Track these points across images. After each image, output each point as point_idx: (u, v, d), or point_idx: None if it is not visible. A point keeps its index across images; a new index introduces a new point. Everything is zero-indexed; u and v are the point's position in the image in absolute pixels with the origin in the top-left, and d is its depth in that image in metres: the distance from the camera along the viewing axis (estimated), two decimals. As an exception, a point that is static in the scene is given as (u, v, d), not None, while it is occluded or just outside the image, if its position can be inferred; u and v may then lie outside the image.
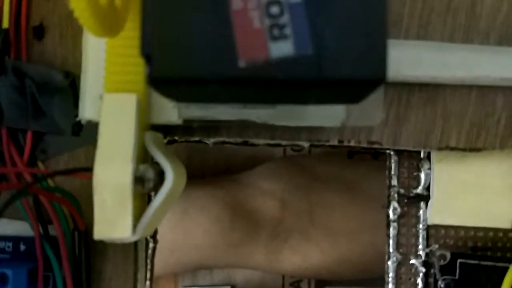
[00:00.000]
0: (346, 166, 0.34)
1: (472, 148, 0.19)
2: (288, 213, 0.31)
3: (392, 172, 0.20)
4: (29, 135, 0.19)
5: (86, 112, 0.17)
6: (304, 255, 0.32)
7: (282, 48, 0.12)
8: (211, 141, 0.20)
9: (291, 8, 0.11)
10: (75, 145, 0.19)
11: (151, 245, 0.20)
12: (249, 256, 0.33)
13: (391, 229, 0.20)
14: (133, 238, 0.16)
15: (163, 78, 0.12)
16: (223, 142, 0.20)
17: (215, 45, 0.12)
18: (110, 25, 0.14)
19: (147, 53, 0.12)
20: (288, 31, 0.12)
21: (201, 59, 0.12)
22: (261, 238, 0.31)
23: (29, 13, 0.19)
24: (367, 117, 0.18)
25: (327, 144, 0.19)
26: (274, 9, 0.11)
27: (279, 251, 0.32)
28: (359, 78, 0.12)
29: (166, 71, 0.12)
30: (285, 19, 0.11)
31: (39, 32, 0.19)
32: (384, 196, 0.20)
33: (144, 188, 0.16)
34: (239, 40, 0.12)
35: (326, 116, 0.16)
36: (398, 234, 0.20)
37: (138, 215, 0.16)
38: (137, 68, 0.16)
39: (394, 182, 0.20)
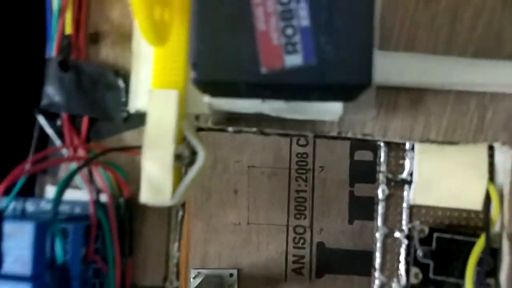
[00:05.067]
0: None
1: (449, 141, 0.23)
2: None
3: (382, 160, 0.24)
4: (85, 120, 0.23)
5: (138, 102, 0.21)
6: None
7: (294, 60, 0.16)
8: (231, 129, 0.24)
9: (302, 30, 0.16)
10: (122, 130, 0.24)
11: (180, 213, 0.24)
12: None
13: (379, 207, 0.24)
14: (171, 203, 0.20)
15: (205, 81, 0.16)
16: (241, 131, 0.24)
17: (244, 57, 0.16)
18: (160, 36, 0.18)
19: (193, 62, 0.16)
20: (299, 47, 0.16)
21: (233, 67, 0.16)
22: None
23: (86, 23, 0.24)
24: (362, 113, 0.22)
25: (329, 135, 0.23)
26: (289, 31, 0.16)
27: None
28: (351, 83, 0.16)
29: (207, 76, 0.16)
30: (297, 38, 0.16)
31: (95, 38, 0.24)
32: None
33: (181, 163, 0.20)
34: (262, 53, 0.16)
35: (327, 111, 0.20)
36: (386, 211, 0.24)
37: (175, 186, 0.20)
38: (178, 69, 0.21)
39: (383, 168, 0.24)
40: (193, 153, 0.21)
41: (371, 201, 0.25)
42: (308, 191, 0.57)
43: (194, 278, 0.56)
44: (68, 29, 0.23)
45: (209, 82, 0.16)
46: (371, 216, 0.25)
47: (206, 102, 0.20)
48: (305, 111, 0.20)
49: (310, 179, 0.57)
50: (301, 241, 0.57)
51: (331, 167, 0.57)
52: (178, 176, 0.21)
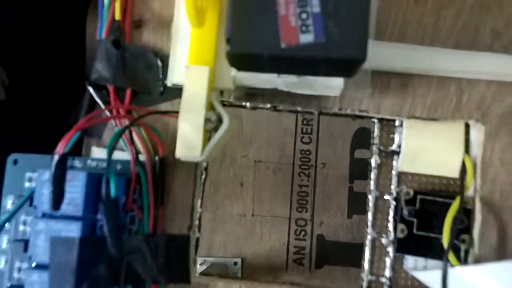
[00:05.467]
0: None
1: (431, 118, 0.27)
2: None
3: (375, 134, 0.28)
4: (128, 92, 0.28)
5: (175, 77, 0.26)
6: None
7: (307, 38, 0.20)
8: (249, 105, 0.28)
9: (314, 15, 0.20)
10: (159, 102, 0.28)
11: (203, 175, 0.28)
12: None
13: (372, 174, 0.28)
14: (201, 158, 0.24)
15: (236, 53, 0.21)
16: (257, 108, 0.28)
17: (268, 34, 0.20)
18: (200, 20, 0.23)
19: (228, 38, 0.21)
20: (311, 28, 0.20)
21: (259, 42, 0.20)
22: None
23: (132, 11, 0.28)
24: (359, 91, 0.26)
25: (331, 112, 0.28)
26: (304, 16, 0.20)
27: None
28: (351, 57, 0.21)
29: (238, 49, 0.21)
30: (309, 22, 0.20)
31: (138, 24, 0.28)
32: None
33: (210, 126, 0.25)
34: (282, 32, 0.20)
35: (330, 87, 0.25)
36: (378, 178, 0.28)
37: (204, 144, 0.25)
38: (210, 49, 0.25)
39: (376, 141, 0.28)
40: (219, 120, 0.25)
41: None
42: (310, 186, 0.61)
43: (200, 265, 0.59)
44: (117, 16, 0.27)
45: (239, 54, 0.21)
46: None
47: (232, 76, 0.25)
48: (313, 86, 0.25)
49: (312, 175, 0.61)
50: (302, 233, 0.60)
51: (332, 164, 0.61)
52: (206, 138, 0.25)
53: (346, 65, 0.21)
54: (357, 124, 0.59)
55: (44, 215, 0.25)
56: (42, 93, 0.30)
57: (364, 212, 0.60)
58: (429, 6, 0.27)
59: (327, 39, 0.20)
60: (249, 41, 0.20)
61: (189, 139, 0.24)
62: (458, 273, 0.24)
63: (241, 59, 0.22)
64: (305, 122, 0.61)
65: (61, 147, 0.23)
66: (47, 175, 0.25)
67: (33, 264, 0.25)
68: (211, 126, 0.25)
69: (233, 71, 0.25)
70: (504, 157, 0.26)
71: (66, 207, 0.25)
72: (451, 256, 0.25)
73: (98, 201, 0.25)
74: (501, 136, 0.27)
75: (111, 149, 0.23)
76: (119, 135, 0.24)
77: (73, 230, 0.24)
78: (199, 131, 0.24)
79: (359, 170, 0.60)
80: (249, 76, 0.25)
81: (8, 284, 0.27)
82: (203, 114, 0.24)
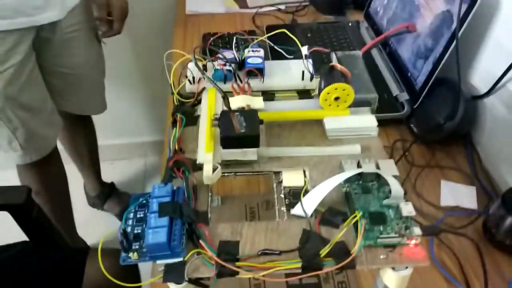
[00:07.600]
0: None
1: (290, 167, 0.76)
2: None
3: (273, 178, 0.76)
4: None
5: (200, 159, 0.75)
6: None
7: (242, 129, 0.72)
8: (226, 174, 0.76)
9: (242, 125, 0.73)
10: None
11: (210, 192, 0.73)
12: None
13: (278, 190, 0.74)
14: (210, 176, 0.71)
15: (222, 137, 0.72)
16: (229, 175, 0.76)
17: (230, 130, 0.72)
18: (211, 143, 0.75)
19: (220, 133, 0.72)
20: (243, 127, 0.72)
21: (227, 132, 0.72)
22: None
23: (181, 145, 0.79)
24: (261, 160, 0.76)
25: (255, 170, 0.76)
26: (241, 124, 0.73)
27: None
28: (253, 134, 0.72)
29: (223, 134, 0.72)
30: (243, 125, 0.72)
31: (183, 151, 0.79)
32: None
33: (213, 167, 0.72)
34: (235, 128, 0.72)
35: (252, 153, 0.75)
36: (276, 190, 0.74)
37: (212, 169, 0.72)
38: (211, 146, 0.75)
39: (275, 180, 0.76)
40: (215, 168, 0.73)
41: None
42: None
43: None
44: (177, 148, 0.78)
45: (223, 137, 0.71)
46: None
47: (219, 153, 0.75)
48: (246, 154, 0.75)
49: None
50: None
51: None
52: (212, 170, 0.72)
53: (252, 138, 0.73)
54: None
55: (155, 197, 0.68)
56: None
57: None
58: (286, 129, 0.81)
59: (246, 129, 0.72)
60: (225, 131, 0.72)
61: (207, 170, 0.71)
62: (305, 199, 0.69)
63: (223, 140, 0.72)
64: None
65: (170, 162, 0.69)
66: (156, 187, 0.69)
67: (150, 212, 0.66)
68: (213, 168, 0.73)
69: (221, 150, 0.74)
70: (316, 177, 0.75)
71: (164, 193, 0.68)
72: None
73: (174, 193, 0.69)
74: (314, 171, 0.76)
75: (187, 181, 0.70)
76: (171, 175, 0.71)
77: (167, 199, 0.67)
78: (210, 167, 0.72)
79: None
80: (225, 151, 0.74)
81: (132, 235, 0.66)
82: (211, 163, 0.72)
